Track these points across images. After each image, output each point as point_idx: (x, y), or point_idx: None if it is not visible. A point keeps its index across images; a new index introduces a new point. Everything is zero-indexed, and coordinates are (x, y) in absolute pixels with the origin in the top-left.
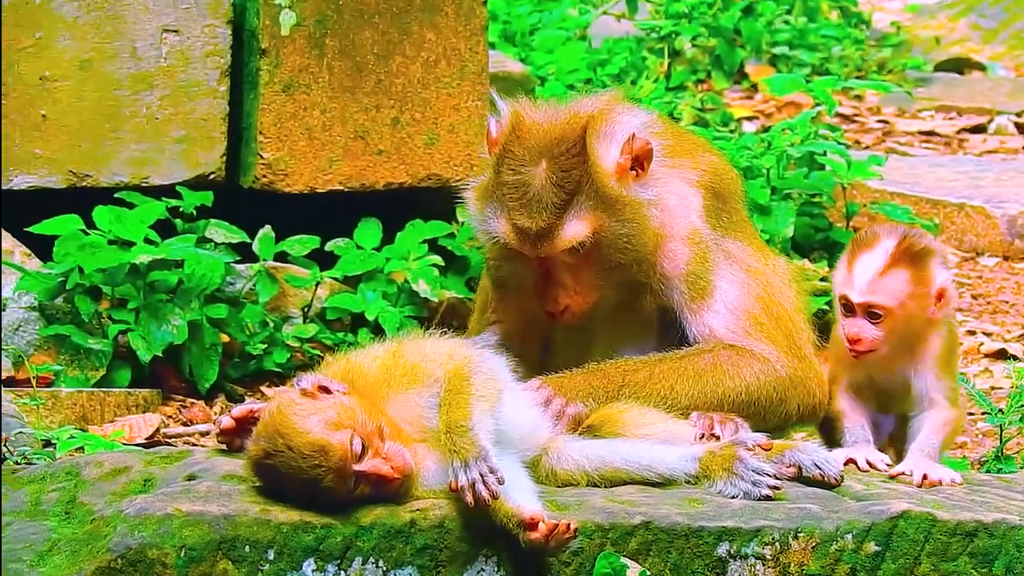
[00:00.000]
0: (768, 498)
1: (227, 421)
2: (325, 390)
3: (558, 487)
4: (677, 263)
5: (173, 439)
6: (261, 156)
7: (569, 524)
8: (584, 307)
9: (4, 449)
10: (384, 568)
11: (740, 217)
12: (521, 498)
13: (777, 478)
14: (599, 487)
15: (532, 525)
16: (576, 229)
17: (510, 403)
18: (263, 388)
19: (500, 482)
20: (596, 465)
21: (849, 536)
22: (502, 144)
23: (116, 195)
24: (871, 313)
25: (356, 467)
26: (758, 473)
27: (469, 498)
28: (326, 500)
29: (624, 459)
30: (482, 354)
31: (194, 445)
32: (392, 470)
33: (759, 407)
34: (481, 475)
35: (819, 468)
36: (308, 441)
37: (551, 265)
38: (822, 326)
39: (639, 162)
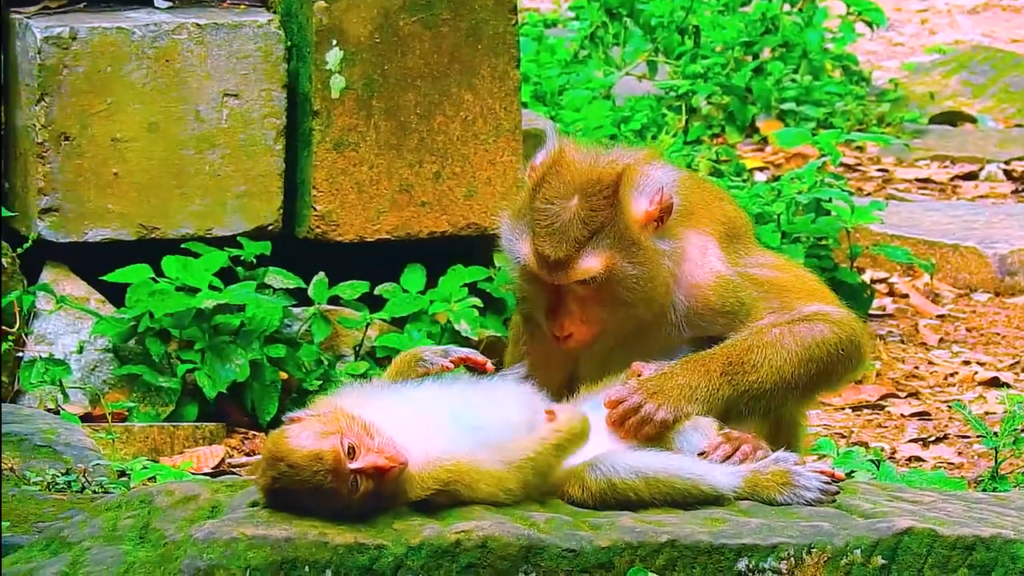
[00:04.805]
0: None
1: None
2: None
3: (609, 499)
4: (709, 303)
5: (237, 468)
6: (315, 208)
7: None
8: (587, 337)
9: (82, 479)
10: None
11: (753, 243)
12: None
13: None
14: (635, 501)
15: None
16: (591, 264)
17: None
18: None
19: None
20: (655, 472)
21: (858, 551)
22: (541, 173)
23: (182, 245)
24: None
25: (351, 465)
26: (810, 486)
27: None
28: (336, 505)
29: (678, 467)
30: None
31: None
32: (387, 460)
33: (829, 366)
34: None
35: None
36: (303, 455)
37: (564, 292)
38: None
39: (661, 217)
